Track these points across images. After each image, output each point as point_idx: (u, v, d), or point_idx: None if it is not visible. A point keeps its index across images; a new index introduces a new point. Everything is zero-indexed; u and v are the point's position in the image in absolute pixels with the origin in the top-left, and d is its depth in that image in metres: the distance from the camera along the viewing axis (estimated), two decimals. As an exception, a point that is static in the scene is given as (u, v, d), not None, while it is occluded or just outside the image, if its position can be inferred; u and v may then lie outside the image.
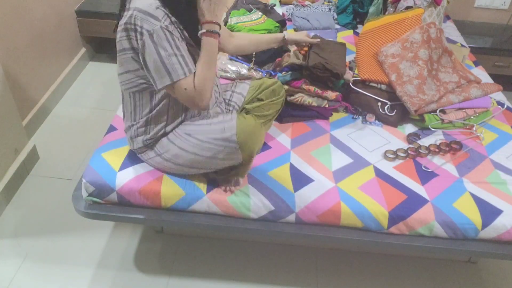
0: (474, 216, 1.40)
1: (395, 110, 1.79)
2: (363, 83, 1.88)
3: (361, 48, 2.01)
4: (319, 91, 1.73)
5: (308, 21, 2.43)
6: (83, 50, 2.94)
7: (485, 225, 1.40)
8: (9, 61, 2.10)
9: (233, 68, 1.96)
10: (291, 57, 1.82)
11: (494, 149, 1.69)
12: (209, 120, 1.39)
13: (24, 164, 2.06)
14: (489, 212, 1.41)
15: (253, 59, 1.98)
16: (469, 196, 1.46)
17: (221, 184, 1.46)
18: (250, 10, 2.31)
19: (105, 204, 1.49)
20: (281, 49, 2.01)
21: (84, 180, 1.45)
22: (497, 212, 1.41)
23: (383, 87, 1.85)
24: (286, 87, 1.73)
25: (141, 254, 1.77)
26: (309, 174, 1.51)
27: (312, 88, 1.72)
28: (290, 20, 2.53)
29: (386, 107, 1.79)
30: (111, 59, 3.06)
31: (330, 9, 2.62)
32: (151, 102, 1.35)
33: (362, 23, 2.50)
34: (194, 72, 1.24)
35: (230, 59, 2.00)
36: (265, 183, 1.45)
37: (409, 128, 1.79)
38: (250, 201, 1.43)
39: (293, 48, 1.87)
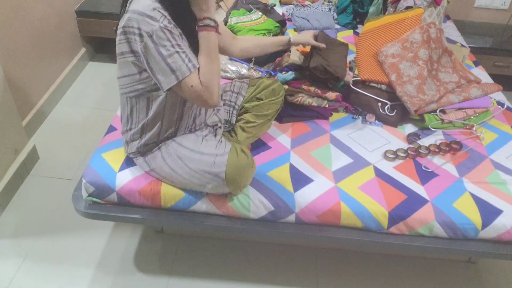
0: (474, 216, 1.40)
1: (395, 110, 1.79)
2: (363, 83, 1.88)
3: (361, 48, 2.01)
4: (319, 91, 1.73)
5: (308, 21, 2.43)
6: (83, 50, 2.94)
7: (485, 225, 1.40)
8: (9, 61, 2.10)
9: (233, 68, 1.96)
10: (291, 57, 1.82)
11: (494, 149, 1.69)
12: (202, 146, 1.38)
13: (24, 164, 2.06)
14: (489, 212, 1.41)
15: (253, 59, 1.98)
16: (469, 196, 1.46)
17: None
18: (250, 10, 2.31)
19: (105, 204, 1.49)
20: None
21: (84, 180, 1.45)
22: (497, 212, 1.41)
23: (383, 87, 1.85)
24: (286, 87, 1.72)
25: (141, 254, 1.77)
26: (309, 174, 1.51)
27: (312, 88, 1.72)
28: (290, 20, 2.53)
29: (386, 107, 1.79)
30: (111, 59, 3.06)
31: (330, 9, 2.62)
32: (147, 109, 1.34)
33: (362, 23, 2.50)
34: (199, 68, 1.22)
35: (230, 59, 2.00)
36: (265, 183, 1.45)
37: (409, 128, 1.79)
38: (250, 202, 1.42)
39: (293, 48, 1.87)
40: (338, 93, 1.78)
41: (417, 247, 1.43)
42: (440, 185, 1.50)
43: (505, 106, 1.89)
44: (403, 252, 1.81)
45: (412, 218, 1.41)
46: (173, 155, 1.38)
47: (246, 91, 1.61)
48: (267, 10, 2.37)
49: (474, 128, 1.77)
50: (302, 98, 1.73)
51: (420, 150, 1.63)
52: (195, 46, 1.25)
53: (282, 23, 2.28)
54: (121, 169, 1.48)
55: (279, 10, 2.55)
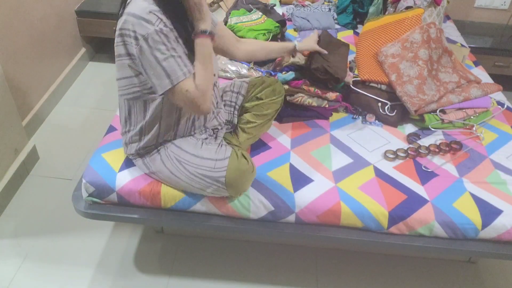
0: (474, 216, 1.40)
1: (395, 110, 1.79)
2: (363, 83, 1.88)
3: (361, 48, 2.01)
4: (319, 92, 1.73)
5: (308, 21, 2.43)
6: (83, 50, 2.94)
7: (485, 225, 1.40)
8: (9, 61, 2.10)
9: (233, 68, 1.96)
10: (291, 57, 1.82)
11: (494, 149, 1.69)
12: (202, 150, 1.37)
13: (24, 164, 2.06)
14: (489, 212, 1.41)
15: (253, 59, 1.98)
16: (469, 196, 1.46)
17: None
18: (250, 10, 2.31)
19: (105, 204, 1.49)
20: (281, 49, 2.01)
21: (84, 181, 1.45)
22: (497, 212, 1.41)
23: (383, 87, 1.85)
24: (286, 87, 1.72)
25: (141, 254, 1.77)
26: (309, 174, 1.51)
27: (312, 88, 1.72)
28: (290, 20, 2.53)
29: (386, 107, 1.79)
30: (111, 59, 3.06)
31: (330, 9, 2.62)
32: (145, 111, 1.34)
33: (362, 23, 2.50)
34: (194, 74, 1.23)
35: (231, 59, 1.99)
36: (265, 184, 1.45)
37: (409, 128, 1.79)
38: (250, 202, 1.42)
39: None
40: (338, 93, 1.78)
41: (417, 247, 1.43)
42: (440, 185, 1.50)
43: (505, 106, 1.89)
44: (403, 252, 1.81)
45: (412, 218, 1.41)
46: (172, 159, 1.38)
47: (246, 91, 1.60)
48: (267, 10, 2.37)
49: (474, 128, 1.77)
50: (302, 98, 1.73)
51: (420, 150, 1.63)
52: (192, 50, 1.25)
53: (282, 23, 2.28)
54: (121, 169, 1.48)
55: (279, 10, 2.55)
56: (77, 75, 2.86)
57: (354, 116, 1.83)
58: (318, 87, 1.73)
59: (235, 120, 1.60)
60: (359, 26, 2.54)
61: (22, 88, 2.23)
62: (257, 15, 2.28)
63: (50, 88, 2.53)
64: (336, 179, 1.50)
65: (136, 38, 1.16)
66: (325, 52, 1.71)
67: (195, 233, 1.84)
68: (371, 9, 2.43)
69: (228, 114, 1.60)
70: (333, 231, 1.45)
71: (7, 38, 2.08)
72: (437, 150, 1.64)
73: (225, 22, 2.26)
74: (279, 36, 2.26)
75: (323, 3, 2.71)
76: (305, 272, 1.74)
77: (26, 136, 2.10)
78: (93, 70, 2.96)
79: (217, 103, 1.48)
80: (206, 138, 1.42)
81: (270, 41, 2.13)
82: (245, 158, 1.37)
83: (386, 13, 2.29)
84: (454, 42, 2.47)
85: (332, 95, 1.75)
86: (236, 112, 1.60)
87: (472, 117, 1.80)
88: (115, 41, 1.22)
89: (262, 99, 1.59)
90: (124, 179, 1.45)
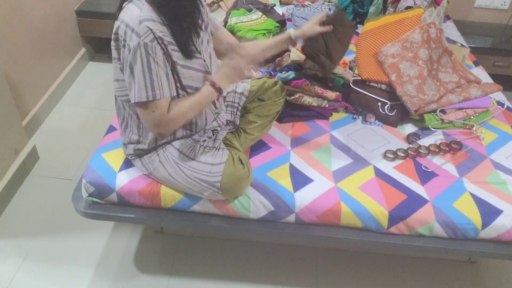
0: (474, 216, 1.40)
1: (395, 110, 1.79)
2: (363, 83, 1.88)
3: (361, 48, 2.01)
4: (319, 91, 1.73)
5: (308, 21, 2.43)
6: (83, 50, 2.94)
7: (485, 225, 1.40)
8: (9, 61, 2.10)
9: (233, 68, 1.95)
10: (291, 57, 1.82)
11: (494, 149, 1.69)
12: (199, 153, 1.38)
13: (24, 164, 2.06)
14: (489, 212, 1.41)
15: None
16: (469, 196, 1.46)
17: None
18: (250, 10, 2.31)
19: (105, 204, 1.49)
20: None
21: (84, 181, 1.45)
22: (497, 212, 1.41)
23: (383, 87, 1.85)
24: (286, 87, 1.72)
25: (141, 254, 1.77)
26: (309, 174, 1.51)
27: (312, 88, 1.72)
28: (290, 20, 2.53)
29: (386, 107, 1.79)
30: (111, 59, 3.03)
31: (330, 9, 2.62)
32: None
33: (362, 23, 2.50)
34: (174, 97, 1.25)
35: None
36: (265, 184, 1.45)
37: (409, 128, 1.79)
38: (250, 202, 1.42)
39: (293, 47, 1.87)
40: (338, 93, 1.78)
41: (417, 247, 1.43)
42: (440, 185, 1.50)
43: (505, 106, 1.89)
44: (403, 252, 1.81)
45: (412, 218, 1.41)
46: (170, 160, 1.38)
47: (249, 92, 1.60)
48: (267, 10, 2.37)
49: (474, 128, 1.77)
50: (302, 98, 1.73)
51: (420, 150, 1.63)
52: (188, 54, 1.26)
53: (282, 23, 2.29)
54: (121, 169, 1.48)
55: (279, 10, 2.55)
56: (77, 75, 2.86)
57: (354, 116, 1.83)
58: (318, 86, 1.73)
59: (237, 121, 1.60)
60: (359, 26, 2.54)
61: (22, 88, 2.23)
62: (257, 15, 2.28)
63: (50, 88, 2.53)
64: (336, 179, 1.50)
65: (124, 46, 1.18)
66: (329, 28, 1.53)
67: (195, 233, 1.84)
68: (371, 9, 2.43)
69: (230, 115, 1.59)
70: (333, 231, 1.45)
71: (7, 38, 2.08)
72: (437, 150, 1.64)
73: (225, 22, 2.26)
74: (279, 36, 2.26)
75: (323, 3, 2.71)
76: (305, 272, 1.74)
77: (26, 136, 2.10)
78: (93, 70, 2.96)
79: (217, 105, 1.48)
80: (204, 141, 1.41)
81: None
82: (242, 163, 1.38)
83: (386, 13, 2.29)
84: (454, 42, 2.47)
85: (332, 94, 1.75)
86: (238, 113, 1.60)
87: (472, 117, 1.80)
88: (111, 43, 1.23)
89: (264, 100, 1.59)
90: (124, 179, 1.45)
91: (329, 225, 1.46)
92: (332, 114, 1.82)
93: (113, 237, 1.83)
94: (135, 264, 1.73)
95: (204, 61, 1.33)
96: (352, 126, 1.78)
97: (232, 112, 1.60)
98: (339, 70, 1.82)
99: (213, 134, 1.47)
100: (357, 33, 2.44)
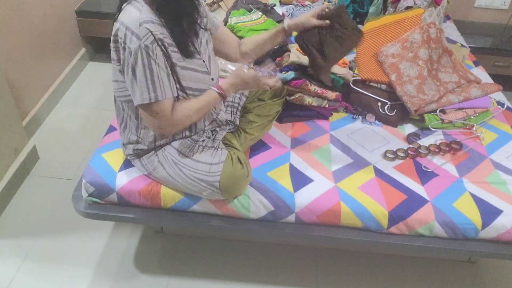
0: (474, 216, 1.40)
1: (395, 110, 1.79)
2: (363, 83, 1.88)
3: (361, 48, 2.01)
4: (319, 91, 1.73)
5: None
6: (83, 50, 2.94)
7: (485, 225, 1.40)
8: (9, 61, 2.10)
9: (233, 68, 1.96)
10: (291, 57, 1.82)
11: (494, 149, 1.69)
12: (198, 153, 1.38)
13: (24, 164, 2.06)
14: (489, 212, 1.41)
15: (253, 59, 1.98)
16: (469, 196, 1.46)
17: None
18: (250, 10, 2.31)
19: (105, 204, 1.49)
20: (281, 49, 2.01)
21: (84, 181, 1.45)
22: (497, 212, 1.41)
23: (383, 87, 1.85)
24: (286, 87, 1.72)
25: (141, 254, 1.77)
26: (309, 174, 1.51)
27: (312, 88, 1.72)
28: (290, 20, 2.52)
29: (386, 107, 1.79)
30: (110, 59, 3.05)
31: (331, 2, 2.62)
32: (136, 115, 1.34)
33: (362, 23, 2.49)
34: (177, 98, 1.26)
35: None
36: (265, 184, 1.45)
37: (409, 128, 1.79)
38: (250, 202, 1.42)
39: (293, 47, 1.87)
40: (338, 93, 1.78)
41: (417, 247, 1.43)
42: (440, 185, 1.50)
43: (505, 106, 1.89)
44: (403, 252, 1.81)
45: (412, 218, 1.41)
46: (169, 160, 1.38)
47: (249, 92, 1.60)
48: (267, 10, 2.37)
49: (474, 128, 1.77)
50: (302, 98, 1.73)
51: (420, 150, 1.63)
52: (188, 55, 1.25)
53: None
54: (121, 169, 1.48)
55: (279, 10, 2.55)
56: (77, 75, 2.86)
57: (354, 116, 1.83)
58: (318, 86, 1.73)
59: (237, 121, 1.60)
60: (359, 26, 2.53)
61: (22, 88, 2.23)
62: (257, 15, 2.28)
63: (50, 88, 2.53)
64: (336, 179, 1.50)
65: (124, 49, 1.17)
66: (326, 22, 1.44)
67: (195, 233, 1.84)
68: (371, 9, 2.43)
69: (230, 115, 1.59)
70: (333, 231, 1.45)
71: (7, 38, 2.08)
72: (437, 150, 1.64)
73: (225, 22, 2.26)
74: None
75: (323, 3, 2.71)
76: (305, 272, 1.74)
77: (26, 136, 2.10)
78: (93, 70, 2.96)
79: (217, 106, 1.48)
80: (203, 140, 1.41)
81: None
82: (241, 162, 1.38)
83: (386, 13, 2.29)
84: (454, 42, 2.47)
85: (332, 94, 1.75)
86: (238, 113, 1.60)
87: (472, 117, 1.80)
88: (110, 45, 1.23)
89: (264, 100, 1.59)
90: (124, 179, 1.45)
91: (329, 225, 1.46)
92: (332, 114, 1.82)
93: (113, 237, 1.83)
94: (135, 264, 1.73)
95: (204, 61, 1.33)
96: (352, 126, 1.78)
97: (232, 112, 1.60)
98: (341, 70, 1.81)
99: (212, 134, 1.47)
100: (357, 33, 2.45)
